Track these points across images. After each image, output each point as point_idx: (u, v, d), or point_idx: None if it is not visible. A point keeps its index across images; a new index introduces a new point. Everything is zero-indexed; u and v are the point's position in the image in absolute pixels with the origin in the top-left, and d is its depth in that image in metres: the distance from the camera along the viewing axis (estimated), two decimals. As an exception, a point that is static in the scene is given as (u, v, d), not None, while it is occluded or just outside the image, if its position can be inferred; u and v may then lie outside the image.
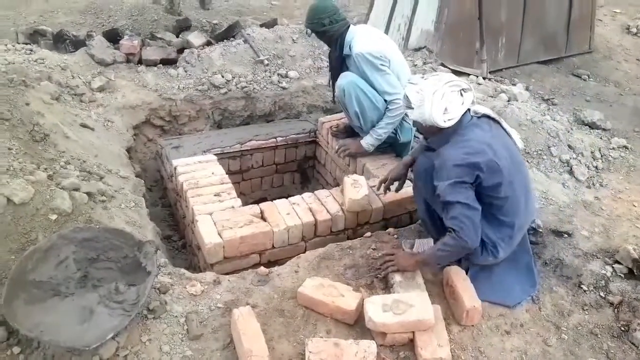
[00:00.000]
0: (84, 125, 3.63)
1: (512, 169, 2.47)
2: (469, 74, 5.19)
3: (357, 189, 3.15)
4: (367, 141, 3.67)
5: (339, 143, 3.90)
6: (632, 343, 2.44)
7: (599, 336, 2.48)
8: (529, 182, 2.71)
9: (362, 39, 3.47)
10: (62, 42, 4.78)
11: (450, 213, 2.41)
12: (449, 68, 5.17)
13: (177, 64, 4.75)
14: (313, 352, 2.10)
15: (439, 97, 2.37)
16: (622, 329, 2.50)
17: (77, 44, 4.71)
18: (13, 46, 4.37)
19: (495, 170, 2.38)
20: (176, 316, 2.31)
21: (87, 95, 4.07)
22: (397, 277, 2.55)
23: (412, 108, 2.44)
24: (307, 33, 3.70)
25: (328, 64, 3.89)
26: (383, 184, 3.00)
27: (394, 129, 3.66)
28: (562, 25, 6.54)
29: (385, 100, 3.52)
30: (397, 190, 3.03)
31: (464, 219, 2.37)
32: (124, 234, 2.47)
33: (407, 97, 2.46)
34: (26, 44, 4.60)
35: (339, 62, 3.61)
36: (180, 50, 4.92)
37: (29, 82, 3.54)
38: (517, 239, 2.63)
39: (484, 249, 2.56)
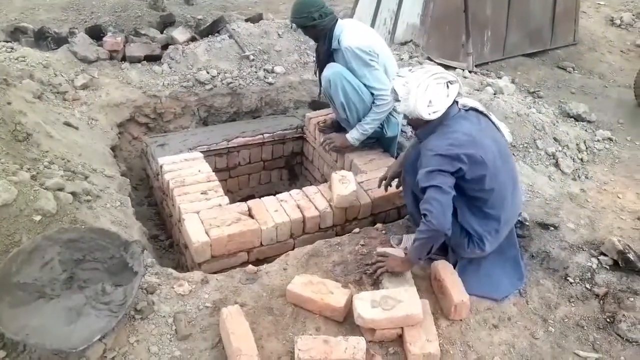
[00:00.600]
0: (67, 124, 3.59)
1: (498, 162, 2.48)
2: (455, 68, 5.20)
3: (345, 184, 3.14)
4: (353, 135, 3.65)
5: (324, 136, 3.89)
6: (618, 334, 2.46)
7: (585, 328, 2.51)
8: (516, 176, 2.72)
9: (350, 33, 3.45)
10: (44, 39, 4.70)
11: (425, 197, 2.41)
12: (435, 62, 5.17)
13: (162, 61, 4.69)
14: (302, 350, 2.10)
15: (423, 90, 2.38)
16: (608, 320, 2.53)
17: (59, 41, 4.64)
18: (-6, 44, 4.29)
19: (478, 163, 2.39)
20: (164, 316, 2.29)
21: (70, 93, 4.01)
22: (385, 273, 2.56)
23: (399, 101, 2.45)
24: (292, 28, 3.65)
25: (315, 58, 3.87)
26: (383, 182, 3.01)
27: (381, 124, 3.65)
28: (547, 18, 6.60)
29: (372, 94, 3.51)
30: (397, 187, 3.04)
31: (432, 202, 2.36)
32: (110, 234, 2.44)
33: (394, 90, 2.47)
34: (7, 41, 4.51)
35: (327, 57, 3.59)
36: (165, 47, 4.87)
37: (10, 80, 3.48)
38: (503, 232, 2.64)
39: (470, 241, 2.57)
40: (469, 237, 2.56)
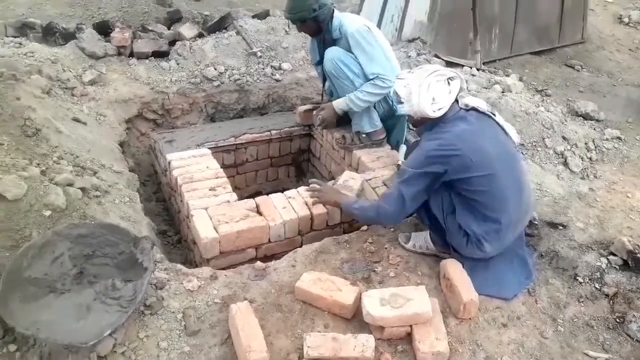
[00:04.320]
0: (76, 120, 3.59)
1: (497, 165, 2.45)
2: (462, 65, 5.18)
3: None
4: (339, 104, 3.63)
5: (315, 116, 3.93)
6: (628, 334, 2.45)
7: (595, 328, 2.50)
8: (523, 177, 2.65)
9: (352, 19, 3.50)
10: (52, 34, 4.71)
11: (390, 193, 2.59)
12: (443, 59, 5.16)
13: (169, 57, 4.70)
14: (311, 347, 2.10)
15: (425, 89, 2.42)
16: (618, 320, 2.52)
17: (67, 36, 4.65)
18: (2, 40, 4.30)
19: (465, 165, 2.39)
20: (173, 312, 2.29)
21: (78, 88, 4.02)
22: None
23: (402, 103, 2.52)
24: (289, 26, 3.65)
25: (316, 55, 3.84)
26: None
27: (391, 100, 3.65)
28: (555, 16, 6.55)
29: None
30: None
31: (395, 205, 2.55)
32: (120, 230, 2.45)
33: (396, 92, 2.54)
34: (15, 37, 4.52)
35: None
36: (172, 43, 4.87)
37: (19, 75, 3.48)
38: (507, 235, 2.57)
39: (469, 241, 2.54)
40: (467, 237, 2.54)
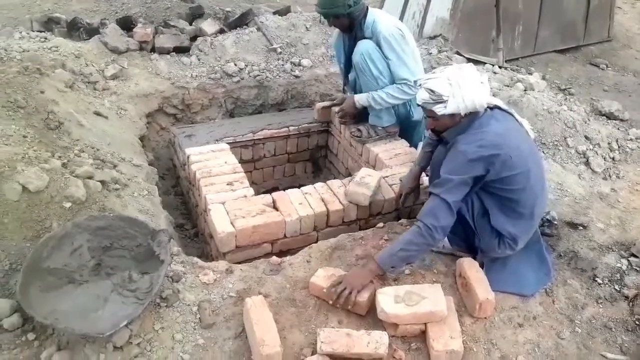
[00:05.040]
0: (97, 113, 3.65)
1: (529, 161, 2.45)
2: (484, 63, 5.12)
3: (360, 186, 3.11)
4: (361, 99, 3.63)
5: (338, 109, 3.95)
6: (647, 337, 2.41)
7: (613, 330, 2.46)
8: (544, 172, 2.68)
9: (386, 20, 3.45)
10: (76, 29, 4.79)
11: (433, 207, 2.38)
12: (465, 56, 5.10)
13: (190, 52, 4.74)
14: (325, 342, 2.10)
15: (472, 81, 2.35)
16: (637, 322, 2.47)
17: (91, 31, 4.72)
18: (27, 34, 4.39)
19: (507, 164, 2.35)
20: (189, 305, 2.32)
21: (100, 83, 4.08)
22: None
23: (443, 101, 2.37)
24: (320, 21, 3.64)
25: (341, 50, 3.84)
26: (400, 200, 3.06)
27: (409, 104, 3.66)
28: (581, 13, 6.45)
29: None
30: (414, 202, 3.09)
31: (441, 219, 2.35)
32: (138, 223, 2.48)
33: (433, 91, 2.36)
34: (40, 31, 4.62)
35: None
36: (194, 38, 4.91)
37: (44, 69, 3.54)
38: (534, 228, 2.63)
39: (501, 242, 2.53)
40: (500, 238, 2.53)
